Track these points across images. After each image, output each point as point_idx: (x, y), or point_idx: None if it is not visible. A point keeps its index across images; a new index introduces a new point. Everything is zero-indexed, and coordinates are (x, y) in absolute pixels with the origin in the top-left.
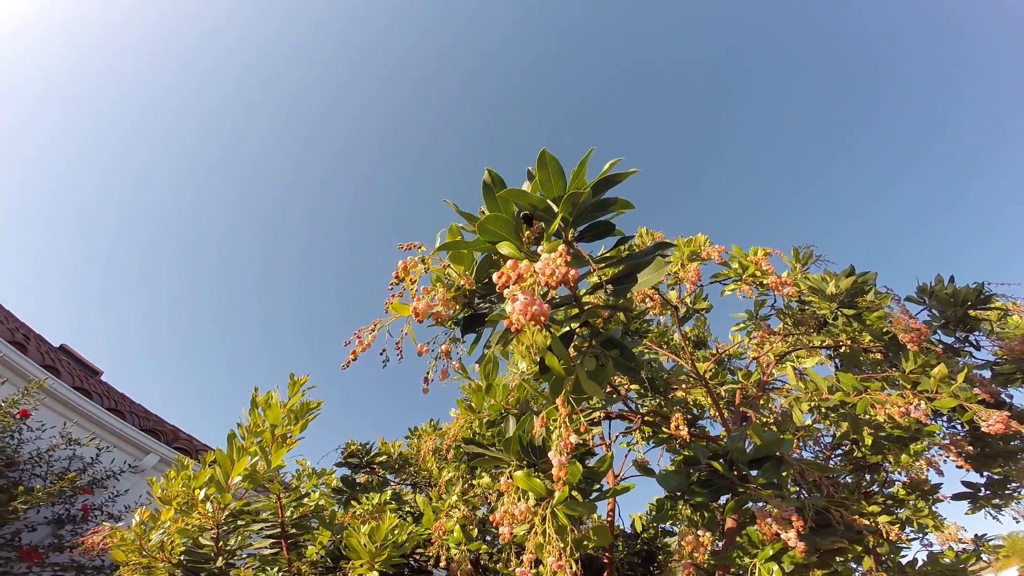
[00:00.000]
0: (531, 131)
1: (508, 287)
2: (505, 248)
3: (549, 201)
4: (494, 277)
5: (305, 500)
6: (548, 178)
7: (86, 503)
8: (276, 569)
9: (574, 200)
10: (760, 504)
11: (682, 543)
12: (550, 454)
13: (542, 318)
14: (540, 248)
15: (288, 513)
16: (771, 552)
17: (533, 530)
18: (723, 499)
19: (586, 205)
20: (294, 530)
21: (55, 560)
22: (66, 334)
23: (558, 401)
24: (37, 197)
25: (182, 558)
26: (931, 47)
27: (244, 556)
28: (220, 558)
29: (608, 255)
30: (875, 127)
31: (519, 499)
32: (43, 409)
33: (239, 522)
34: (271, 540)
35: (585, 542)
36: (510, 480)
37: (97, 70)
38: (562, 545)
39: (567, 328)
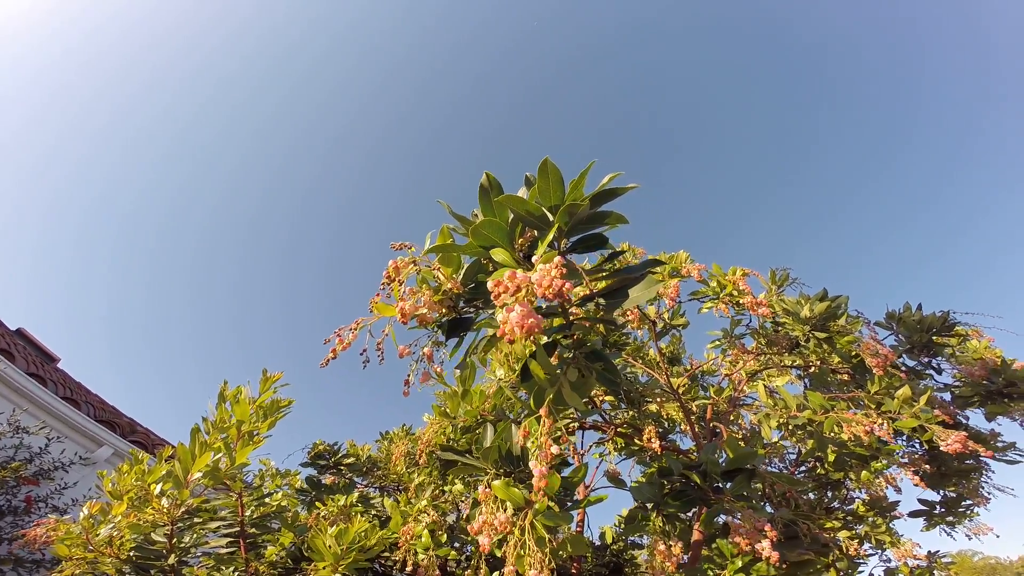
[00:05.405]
0: (513, 135)
1: (503, 296)
2: (499, 255)
3: (546, 210)
4: (489, 284)
5: (267, 500)
6: (548, 186)
7: (30, 494)
8: (232, 569)
9: (572, 211)
10: (734, 515)
11: (654, 552)
12: (531, 464)
13: (536, 330)
14: (535, 258)
15: (248, 512)
16: (740, 564)
17: (513, 541)
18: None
19: (582, 217)
20: (254, 530)
21: None
22: (24, 317)
23: (542, 412)
24: None
25: (132, 554)
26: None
27: (199, 554)
28: (172, 555)
29: (599, 267)
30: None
31: (498, 509)
32: None
33: (196, 519)
34: (228, 539)
35: (561, 552)
36: (488, 489)
37: (77, 58)
38: (541, 556)
39: (551, 338)
